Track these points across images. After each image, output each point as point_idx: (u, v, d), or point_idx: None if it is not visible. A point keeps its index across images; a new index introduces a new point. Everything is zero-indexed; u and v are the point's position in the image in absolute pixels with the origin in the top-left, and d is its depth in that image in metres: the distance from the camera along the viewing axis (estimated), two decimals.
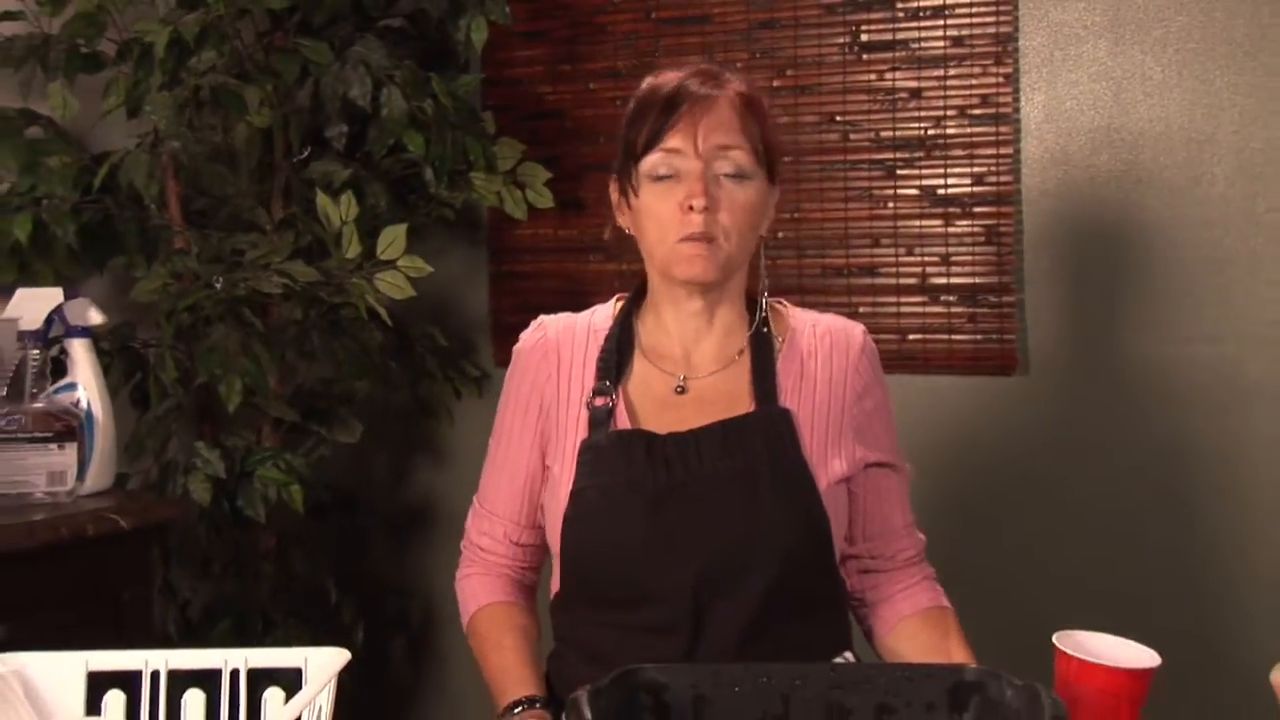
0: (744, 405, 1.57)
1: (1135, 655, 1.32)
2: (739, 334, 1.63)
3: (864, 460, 1.60)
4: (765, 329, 1.62)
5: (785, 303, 1.69)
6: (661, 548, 1.50)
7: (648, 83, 1.61)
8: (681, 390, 1.61)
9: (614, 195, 1.64)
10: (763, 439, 1.54)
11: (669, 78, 1.59)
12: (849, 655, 1.60)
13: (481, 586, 1.67)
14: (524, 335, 1.68)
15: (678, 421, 1.56)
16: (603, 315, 1.67)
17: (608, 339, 1.64)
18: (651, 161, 1.55)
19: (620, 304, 1.68)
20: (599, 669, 1.40)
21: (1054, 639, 1.31)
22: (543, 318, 1.69)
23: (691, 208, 1.52)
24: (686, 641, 1.49)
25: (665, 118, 1.54)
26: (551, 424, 1.62)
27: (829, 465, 1.56)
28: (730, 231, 1.54)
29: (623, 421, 1.58)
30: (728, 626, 1.49)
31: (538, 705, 1.48)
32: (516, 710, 1.48)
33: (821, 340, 1.63)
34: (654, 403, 1.60)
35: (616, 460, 1.54)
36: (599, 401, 1.58)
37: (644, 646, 1.47)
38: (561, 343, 1.65)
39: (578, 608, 1.59)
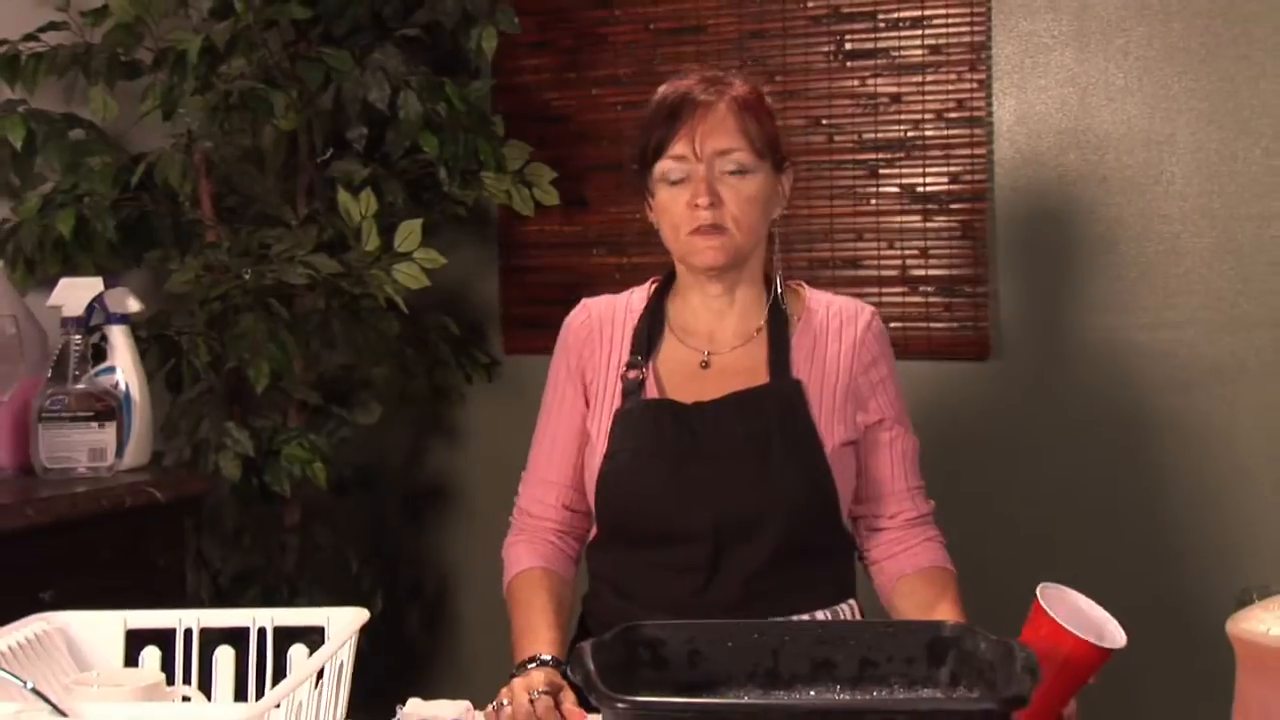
0: (761, 377, 1.62)
1: (1106, 628, 1.30)
2: (757, 312, 1.67)
3: (864, 423, 1.64)
4: (782, 307, 1.66)
5: (804, 285, 1.73)
6: (685, 498, 1.56)
7: (660, 91, 1.66)
8: (705, 364, 1.65)
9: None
10: (775, 407, 1.59)
11: (676, 86, 1.64)
12: (852, 603, 1.64)
13: (526, 553, 1.67)
14: (570, 315, 1.73)
15: (701, 392, 1.61)
16: (639, 296, 1.72)
17: (641, 318, 1.68)
18: (662, 168, 1.61)
19: (654, 287, 1.72)
20: (628, 603, 1.53)
21: (1038, 589, 1.30)
22: (586, 300, 1.74)
23: (698, 205, 1.57)
24: (704, 579, 1.55)
25: (669, 126, 1.60)
26: (592, 392, 1.66)
27: (835, 430, 1.61)
28: (739, 221, 1.59)
29: (652, 392, 1.63)
30: (740, 568, 1.55)
31: (549, 664, 1.47)
32: (530, 665, 1.48)
33: (834, 318, 1.67)
34: (681, 375, 1.64)
35: (646, 426, 1.59)
36: (631, 374, 1.63)
37: (666, 583, 1.57)
38: (603, 320, 1.69)
39: (611, 549, 1.64)
